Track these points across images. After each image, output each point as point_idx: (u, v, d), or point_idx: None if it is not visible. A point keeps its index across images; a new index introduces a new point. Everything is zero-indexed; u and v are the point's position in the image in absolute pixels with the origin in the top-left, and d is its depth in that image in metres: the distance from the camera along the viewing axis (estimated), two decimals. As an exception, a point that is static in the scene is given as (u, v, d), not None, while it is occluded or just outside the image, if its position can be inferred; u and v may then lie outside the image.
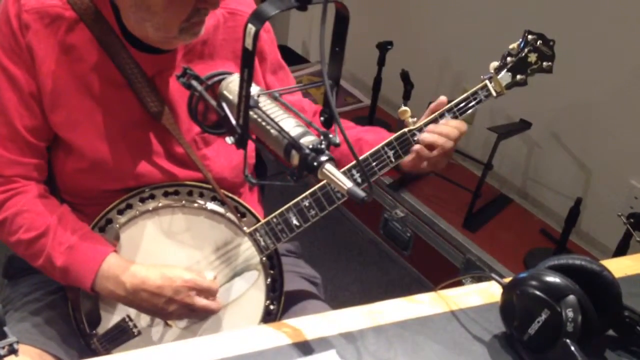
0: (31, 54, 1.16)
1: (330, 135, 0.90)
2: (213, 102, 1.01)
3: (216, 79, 1.03)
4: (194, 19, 1.12)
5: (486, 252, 2.30)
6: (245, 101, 0.90)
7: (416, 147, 1.26)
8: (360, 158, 1.24)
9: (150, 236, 1.27)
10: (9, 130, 1.19)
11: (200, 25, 1.16)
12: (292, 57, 3.63)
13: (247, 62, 0.86)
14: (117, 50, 1.18)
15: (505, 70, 1.33)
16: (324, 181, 1.23)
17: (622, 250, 2.02)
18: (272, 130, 0.91)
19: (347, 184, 0.85)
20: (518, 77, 1.33)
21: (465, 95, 1.31)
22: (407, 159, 1.28)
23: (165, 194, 1.26)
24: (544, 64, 1.35)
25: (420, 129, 1.28)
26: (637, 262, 1.23)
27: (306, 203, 1.25)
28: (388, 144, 1.27)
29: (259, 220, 1.28)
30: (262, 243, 1.28)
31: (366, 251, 2.70)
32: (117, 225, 1.25)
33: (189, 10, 1.10)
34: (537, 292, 0.93)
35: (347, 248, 2.70)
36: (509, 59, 1.33)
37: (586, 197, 2.34)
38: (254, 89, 0.94)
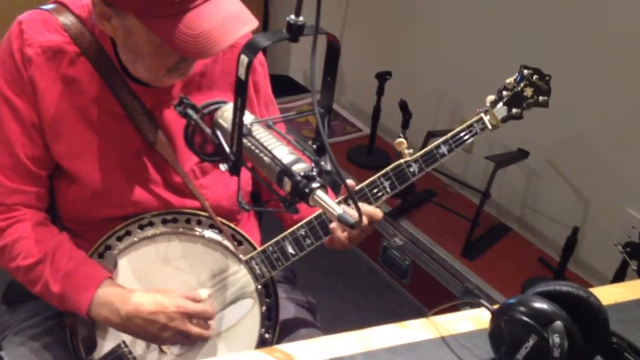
0: (33, 87, 1.19)
1: (322, 163, 0.92)
2: (208, 130, 1.04)
3: (212, 107, 1.05)
4: (181, 64, 1.16)
5: (484, 281, 2.30)
6: (239, 129, 0.92)
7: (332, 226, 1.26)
8: (357, 187, 1.26)
9: (147, 263, 1.28)
10: (11, 159, 1.22)
11: (188, 68, 1.19)
12: (293, 87, 3.67)
13: (240, 91, 0.88)
14: (116, 83, 1.21)
15: (501, 103, 1.34)
16: (320, 210, 1.25)
17: (619, 279, 2.02)
18: (265, 158, 0.93)
19: (337, 210, 0.86)
20: (514, 110, 1.34)
21: (460, 127, 1.32)
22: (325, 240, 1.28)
23: (164, 222, 1.28)
24: (540, 98, 1.36)
25: (416, 160, 1.29)
26: (627, 290, 1.24)
27: (302, 232, 1.26)
28: (384, 175, 1.28)
29: (255, 248, 1.30)
30: (258, 271, 1.29)
31: (365, 279, 2.71)
32: (116, 252, 1.26)
33: (176, 59, 1.14)
34: (524, 318, 0.94)
35: (346, 276, 2.70)
36: (504, 92, 1.34)
37: (584, 226, 2.35)
38: (248, 118, 0.96)
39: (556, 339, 0.92)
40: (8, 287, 1.41)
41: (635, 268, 1.93)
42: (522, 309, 0.96)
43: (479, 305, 1.10)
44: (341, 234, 1.25)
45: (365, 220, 1.24)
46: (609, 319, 1.00)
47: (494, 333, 1.00)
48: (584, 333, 0.96)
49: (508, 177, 2.57)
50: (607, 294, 1.17)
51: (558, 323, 0.93)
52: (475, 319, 1.14)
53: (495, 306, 1.03)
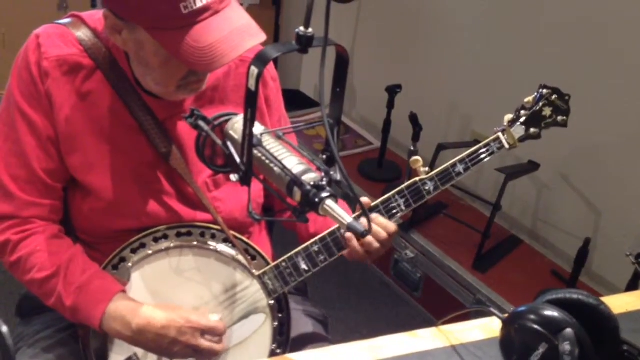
0: (50, 100, 1.20)
1: (332, 173, 0.93)
2: (219, 142, 1.05)
3: (222, 119, 1.07)
4: (190, 78, 1.17)
5: (496, 293, 2.29)
6: (249, 140, 0.93)
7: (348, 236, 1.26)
8: (371, 205, 1.26)
9: (160, 276, 1.29)
10: (27, 172, 1.23)
11: (198, 83, 1.20)
12: (304, 101, 3.70)
13: (251, 102, 0.90)
14: (130, 96, 1.23)
15: (519, 123, 1.32)
16: (335, 227, 1.26)
17: (631, 290, 2.01)
18: (275, 168, 0.94)
19: (347, 219, 0.87)
20: (531, 130, 1.32)
21: (477, 146, 1.31)
22: (345, 252, 1.28)
23: (178, 235, 1.29)
24: (559, 118, 1.34)
25: (432, 179, 1.29)
26: (638, 299, 1.24)
27: (315, 248, 1.26)
28: (399, 192, 1.28)
29: (268, 263, 1.30)
30: (271, 286, 1.29)
31: (377, 292, 2.70)
32: (130, 264, 1.27)
33: (184, 72, 1.15)
34: (535, 326, 0.95)
35: (358, 289, 2.70)
36: (522, 112, 1.33)
37: (596, 238, 2.34)
38: (258, 129, 0.97)
39: (567, 346, 0.92)
40: (22, 300, 1.42)
41: (647, 279, 1.93)
42: (532, 316, 0.96)
43: (489, 313, 1.10)
44: (357, 245, 1.25)
45: (383, 233, 1.24)
46: (619, 326, 1.00)
47: (504, 341, 1.01)
48: (594, 341, 0.96)
49: (519, 189, 2.57)
50: (619, 303, 1.17)
51: (568, 331, 0.93)
52: (485, 328, 1.14)
53: (506, 315, 1.03)
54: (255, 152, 0.96)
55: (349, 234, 1.25)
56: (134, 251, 1.28)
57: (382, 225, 1.26)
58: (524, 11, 2.48)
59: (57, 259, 1.23)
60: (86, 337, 1.28)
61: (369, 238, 1.24)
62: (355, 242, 1.25)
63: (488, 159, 1.31)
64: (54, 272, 1.22)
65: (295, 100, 3.66)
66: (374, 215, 1.27)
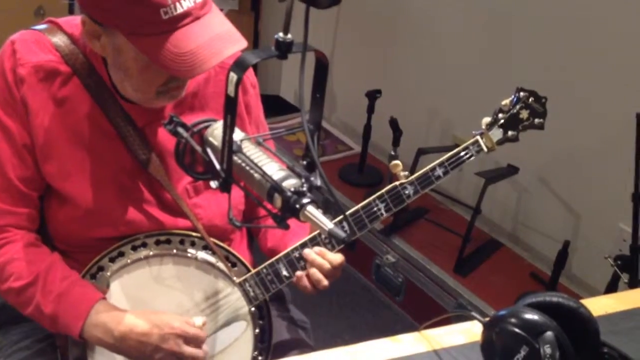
0: (25, 107, 1.19)
1: (312, 179, 0.93)
2: (199, 148, 1.04)
3: (202, 126, 1.06)
4: (171, 84, 1.17)
5: (477, 296, 2.31)
6: (229, 146, 0.93)
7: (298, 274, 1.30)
8: (351, 210, 1.27)
9: (140, 284, 1.28)
10: (2, 180, 1.22)
11: (178, 90, 1.20)
12: (284, 107, 3.70)
13: (230, 108, 0.89)
14: (107, 102, 1.22)
15: (497, 126, 1.34)
16: (316, 232, 1.26)
17: (610, 292, 2.03)
18: (256, 174, 0.94)
19: (328, 224, 0.87)
20: (509, 133, 1.34)
21: (456, 150, 1.32)
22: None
23: (157, 243, 1.28)
24: (536, 120, 1.36)
25: (411, 183, 1.30)
26: (617, 301, 1.25)
27: (296, 254, 1.27)
28: (379, 197, 1.29)
29: (249, 270, 1.29)
30: (252, 293, 1.29)
31: (359, 297, 2.70)
32: (108, 273, 1.26)
33: (164, 78, 1.15)
34: (516, 329, 0.95)
35: (340, 295, 2.70)
36: (500, 115, 1.34)
37: (576, 241, 2.36)
38: (238, 135, 0.97)
39: (547, 349, 0.92)
40: (-1, 310, 1.40)
41: (626, 281, 1.94)
42: (513, 320, 0.96)
43: (470, 318, 1.10)
44: (306, 281, 1.28)
45: (327, 265, 1.27)
46: (599, 329, 1.01)
47: (485, 345, 1.01)
48: (575, 343, 0.96)
49: (499, 193, 2.58)
50: (598, 305, 1.18)
51: (549, 334, 0.94)
52: (467, 332, 1.15)
53: (487, 318, 1.04)
54: (235, 158, 0.95)
55: (299, 274, 1.28)
56: (112, 260, 1.27)
57: (327, 259, 1.28)
58: (501, 15, 2.50)
59: (34, 267, 1.22)
60: (65, 347, 1.27)
61: (313, 270, 1.27)
62: (304, 280, 1.28)
63: (467, 162, 1.32)
64: (31, 280, 1.21)
65: (275, 106, 3.65)
66: (321, 250, 1.28)
